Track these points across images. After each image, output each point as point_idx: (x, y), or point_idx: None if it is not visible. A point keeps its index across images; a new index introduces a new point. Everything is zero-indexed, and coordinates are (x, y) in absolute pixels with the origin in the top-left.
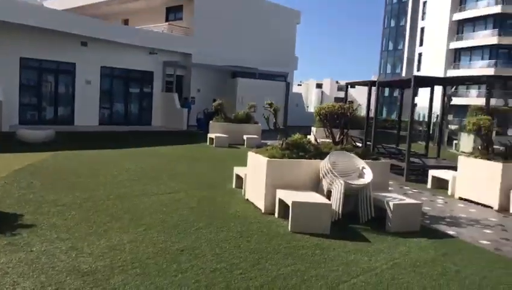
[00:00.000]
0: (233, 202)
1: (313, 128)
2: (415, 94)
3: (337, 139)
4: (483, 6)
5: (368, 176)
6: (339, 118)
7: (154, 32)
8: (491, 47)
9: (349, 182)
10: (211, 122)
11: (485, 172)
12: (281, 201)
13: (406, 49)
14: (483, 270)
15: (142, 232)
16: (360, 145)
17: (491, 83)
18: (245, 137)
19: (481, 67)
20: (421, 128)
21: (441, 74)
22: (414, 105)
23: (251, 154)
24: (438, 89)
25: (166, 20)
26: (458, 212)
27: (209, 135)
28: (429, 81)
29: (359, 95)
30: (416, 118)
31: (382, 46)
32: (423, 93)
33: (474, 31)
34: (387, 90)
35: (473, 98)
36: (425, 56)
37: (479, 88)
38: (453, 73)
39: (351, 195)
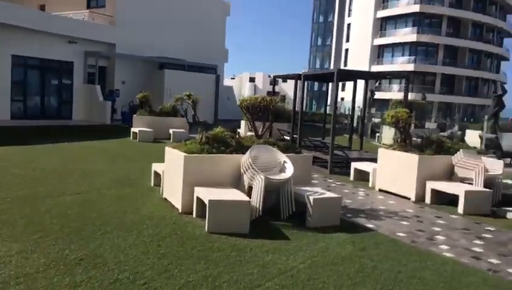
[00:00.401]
0: (149, 201)
1: (242, 122)
2: (341, 88)
3: (260, 133)
4: (404, 5)
5: (289, 171)
6: (261, 111)
7: (74, 19)
8: (411, 44)
9: (270, 177)
10: (134, 115)
11: (403, 164)
12: (198, 199)
13: (333, 45)
14: (399, 264)
15: (37, 241)
16: (288, 138)
17: (408, 78)
18: (171, 131)
19: (402, 63)
20: (346, 122)
21: (365, 69)
22: (341, 98)
23: (168, 149)
24: (362, 83)
25: (88, 7)
26: (378, 204)
27: (132, 129)
28: (352, 75)
29: (291, 89)
30: (342, 111)
31: (311, 41)
32: (350, 87)
33: (395, 29)
34: (316, 84)
35: (395, 92)
36: (352, 52)
37: (400, 83)
38: (376, 68)
39: (273, 190)
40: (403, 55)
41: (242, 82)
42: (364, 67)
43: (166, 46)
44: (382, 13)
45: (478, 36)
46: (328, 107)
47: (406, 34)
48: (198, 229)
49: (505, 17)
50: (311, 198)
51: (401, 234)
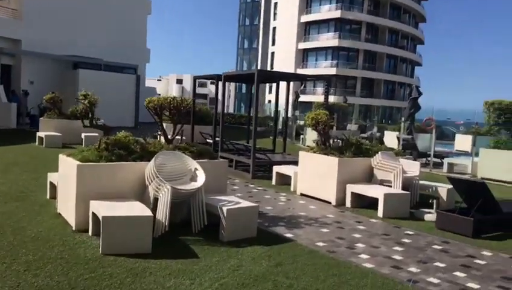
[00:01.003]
0: (39, 218)
1: (165, 125)
2: (268, 90)
3: (170, 137)
4: (326, 10)
5: (200, 179)
6: (171, 113)
7: None
8: (333, 49)
9: (177, 187)
10: (41, 118)
11: (323, 167)
12: (94, 215)
13: (260, 48)
14: (317, 281)
15: None
16: (211, 141)
17: (329, 81)
18: (83, 136)
19: (325, 67)
20: (272, 124)
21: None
22: (269, 101)
23: (62, 157)
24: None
25: None
26: (298, 210)
27: (38, 134)
28: (273, 76)
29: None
30: (268, 113)
31: (238, 43)
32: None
33: (319, 33)
34: (244, 86)
35: (319, 95)
36: (278, 55)
37: (323, 87)
38: (301, 72)
39: (183, 202)
40: (325, 59)
41: (169, 84)
42: (289, 70)
43: (81, 44)
44: (306, 18)
45: (394, 42)
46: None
47: (329, 39)
48: (91, 250)
49: (417, 25)
50: (224, 209)
51: (320, 244)
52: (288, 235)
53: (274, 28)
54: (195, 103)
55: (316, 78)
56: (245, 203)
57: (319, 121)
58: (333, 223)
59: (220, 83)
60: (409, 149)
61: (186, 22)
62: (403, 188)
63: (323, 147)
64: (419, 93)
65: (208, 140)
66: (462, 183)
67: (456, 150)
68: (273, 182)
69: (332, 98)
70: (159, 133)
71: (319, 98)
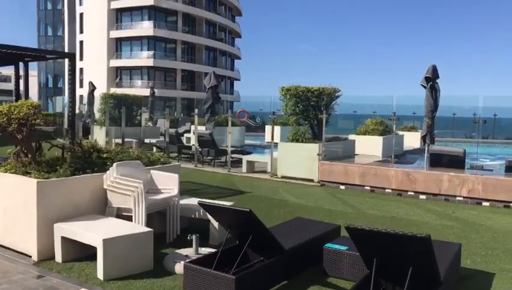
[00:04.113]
0: None
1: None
2: (79, 84)
3: None
4: None
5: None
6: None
7: None
8: (148, 38)
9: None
10: None
11: (17, 196)
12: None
13: (66, 36)
14: None
15: None
16: None
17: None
18: None
19: (142, 58)
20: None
21: (104, 64)
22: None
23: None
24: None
25: None
26: None
27: None
28: None
29: (34, 86)
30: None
31: (39, 30)
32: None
33: (132, 21)
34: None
35: (138, 88)
36: (88, 44)
37: (142, 78)
38: (116, 63)
39: None
40: (141, 49)
41: None
42: (102, 61)
43: None
44: (116, 3)
45: (212, 34)
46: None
47: (144, 28)
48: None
49: (234, 18)
50: None
51: None
52: None
53: (81, 14)
54: None
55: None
56: None
57: (13, 117)
58: None
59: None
60: (206, 147)
61: None
62: (161, 216)
63: (27, 160)
64: (218, 82)
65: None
66: (224, 212)
67: (267, 142)
68: None
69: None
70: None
71: (138, 91)
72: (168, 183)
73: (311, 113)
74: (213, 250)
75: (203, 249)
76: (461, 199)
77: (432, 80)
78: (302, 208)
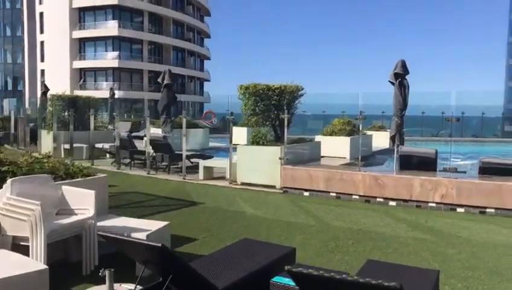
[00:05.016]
0: None
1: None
2: (41, 87)
3: None
4: None
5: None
6: None
7: None
8: (113, 38)
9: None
10: None
11: None
12: None
13: (26, 36)
14: None
15: None
16: None
17: None
18: None
19: (107, 59)
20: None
21: (67, 65)
22: None
23: None
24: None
25: None
26: None
27: None
28: None
29: None
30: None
31: None
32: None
33: (96, 21)
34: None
35: (103, 90)
36: (49, 44)
37: (107, 80)
38: (79, 64)
39: None
40: (106, 50)
41: None
42: (65, 62)
43: None
44: (78, 2)
45: (180, 34)
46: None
47: (108, 28)
48: None
49: (203, 18)
50: None
51: None
52: None
53: (41, 14)
54: None
55: None
56: None
57: None
58: None
59: None
60: (160, 151)
61: None
62: (78, 241)
63: None
64: (172, 80)
65: None
66: (133, 247)
67: (234, 145)
68: None
69: (117, 93)
70: None
71: (103, 93)
72: (82, 202)
73: (273, 113)
74: (133, 287)
75: (122, 286)
76: (434, 205)
77: (400, 76)
78: (258, 222)
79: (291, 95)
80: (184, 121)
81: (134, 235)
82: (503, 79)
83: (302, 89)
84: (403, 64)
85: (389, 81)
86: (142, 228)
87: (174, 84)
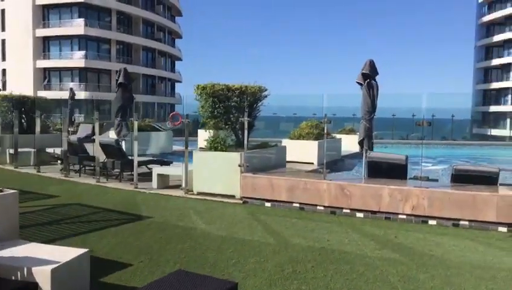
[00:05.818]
0: None
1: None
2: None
3: None
4: None
5: None
6: None
7: None
8: (79, 37)
9: None
10: None
11: None
12: None
13: None
14: None
15: None
16: None
17: None
18: None
19: (73, 58)
20: None
21: (29, 64)
22: None
23: None
24: None
25: None
26: None
27: None
28: None
29: None
30: None
31: None
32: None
33: (60, 19)
34: None
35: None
36: (11, 43)
37: (73, 80)
38: (43, 64)
39: None
40: (72, 49)
41: None
42: (28, 62)
43: None
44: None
45: (151, 35)
46: None
47: (74, 27)
48: None
49: (174, 18)
50: None
51: None
52: None
53: (3, 10)
54: None
55: None
56: None
57: None
58: None
59: None
60: (111, 157)
61: None
62: None
63: None
64: (130, 79)
65: None
66: None
67: (200, 148)
68: None
69: (83, 94)
70: None
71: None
72: None
73: (233, 115)
74: None
75: None
76: (404, 217)
77: (369, 77)
78: (208, 241)
79: (253, 96)
80: (135, 123)
81: (36, 270)
82: (471, 82)
83: (266, 90)
84: (371, 64)
85: (357, 82)
86: (51, 259)
87: (130, 84)
